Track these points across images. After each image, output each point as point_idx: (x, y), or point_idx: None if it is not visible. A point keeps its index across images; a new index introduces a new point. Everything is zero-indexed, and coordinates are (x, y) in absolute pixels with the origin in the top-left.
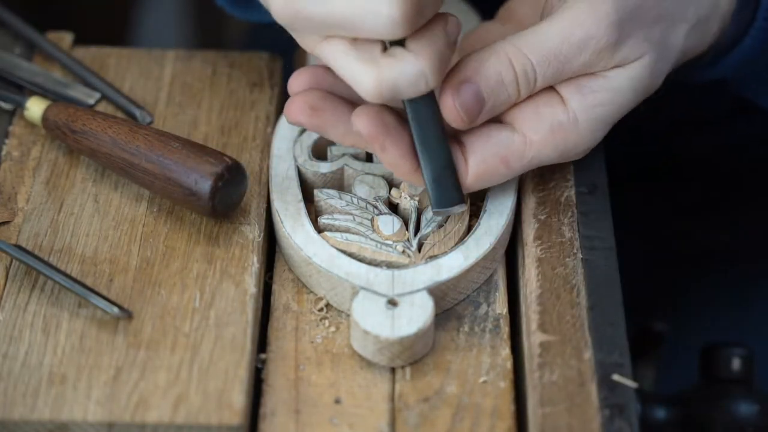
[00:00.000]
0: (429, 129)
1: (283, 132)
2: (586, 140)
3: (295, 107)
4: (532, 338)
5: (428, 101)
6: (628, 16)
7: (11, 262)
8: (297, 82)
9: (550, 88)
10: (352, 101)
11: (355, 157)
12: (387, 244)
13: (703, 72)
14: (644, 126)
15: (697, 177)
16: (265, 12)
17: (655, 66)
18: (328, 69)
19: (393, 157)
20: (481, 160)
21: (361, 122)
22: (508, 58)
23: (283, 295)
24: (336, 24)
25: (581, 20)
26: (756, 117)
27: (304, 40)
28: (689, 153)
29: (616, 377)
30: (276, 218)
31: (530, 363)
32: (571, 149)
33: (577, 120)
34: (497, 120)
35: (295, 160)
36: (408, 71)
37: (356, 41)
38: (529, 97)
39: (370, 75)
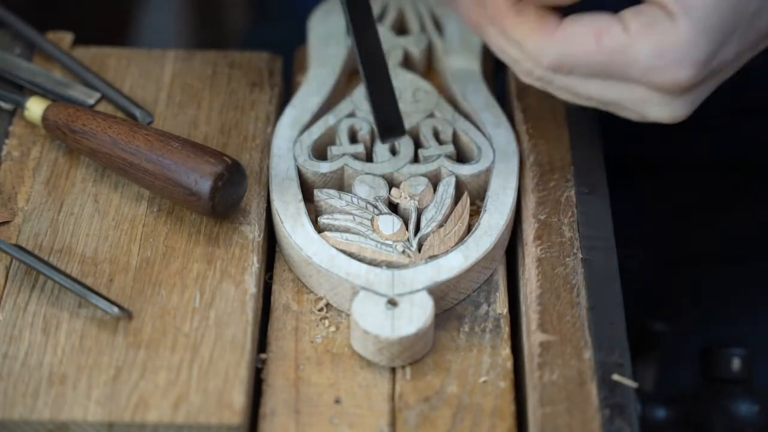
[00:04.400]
0: (374, 48)
1: (283, 132)
2: (684, 44)
3: None
4: (532, 338)
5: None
6: None
7: (11, 262)
8: None
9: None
10: None
11: (355, 157)
12: (387, 244)
13: None
14: (645, 127)
15: (698, 178)
16: None
17: None
18: None
19: None
20: (576, 20)
21: None
22: None
23: (283, 295)
24: None
25: None
26: (758, 120)
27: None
28: (691, 155)
29: (616, 377)
30: (276, 218)
31: (530, 363)
32: (668, 49)
33: (675, 17)
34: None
35: (295, 160)
36: None
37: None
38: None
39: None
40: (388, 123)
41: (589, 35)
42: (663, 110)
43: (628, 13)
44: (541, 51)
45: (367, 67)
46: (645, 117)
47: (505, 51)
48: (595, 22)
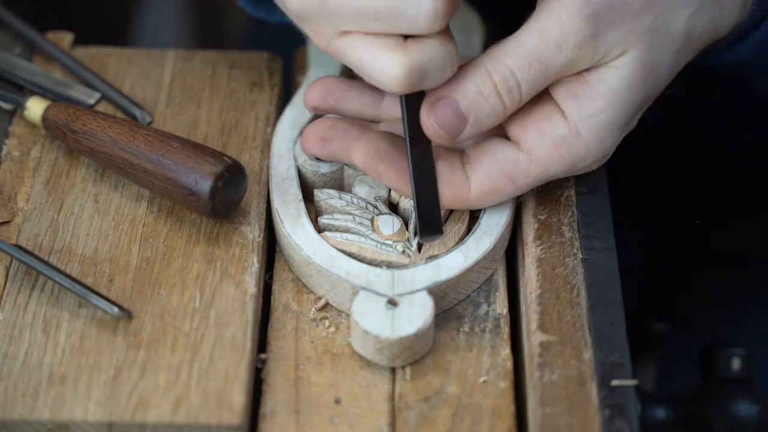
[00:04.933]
0: (421, 145)
1: (283, 132)
2: (594, 150)
3: (307, 140)
4: (532, 338)
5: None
6: (605, 7)
7: (11, 262)
8: (311, 94)
9: (551, 102)
10: (360, 120)
11: None
12: (387, 244)
13: (720, 55)
14: (647, 130)
15: (699, 180)
16: (272, 11)
17: (648, 57)
18: (339, 78)
19: (390, 181)
20: (486, 177)
21: (356, 156)
22: (486, 69)
23: (283, 295)
24: (369, 16)
25: (554, 18)
26: (759, 124)
27: (317, 35)
28: (691, 157)
29: (615, 383)
30: (276, 218)
31: (530, 363)
32: (578, 161)
33: (579, 131)
34: (503, 136)
35: (295, 160)
36: (438, 53)
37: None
38: (530, 111)
39: (398, 60)
40: (429, 224)
41: (503, 183)
42: None
43: (530, 138)
44: (466, 208)
45: (417, 169)
46: None
47: None
48: (501, 167)
